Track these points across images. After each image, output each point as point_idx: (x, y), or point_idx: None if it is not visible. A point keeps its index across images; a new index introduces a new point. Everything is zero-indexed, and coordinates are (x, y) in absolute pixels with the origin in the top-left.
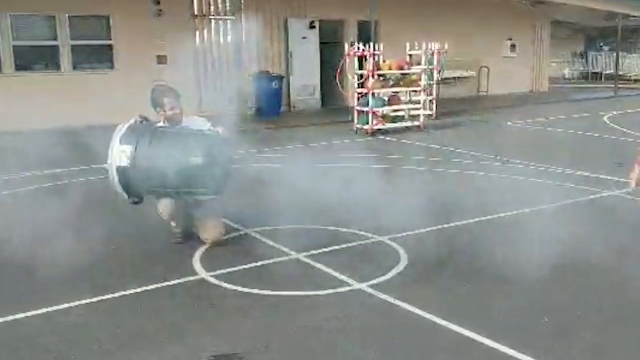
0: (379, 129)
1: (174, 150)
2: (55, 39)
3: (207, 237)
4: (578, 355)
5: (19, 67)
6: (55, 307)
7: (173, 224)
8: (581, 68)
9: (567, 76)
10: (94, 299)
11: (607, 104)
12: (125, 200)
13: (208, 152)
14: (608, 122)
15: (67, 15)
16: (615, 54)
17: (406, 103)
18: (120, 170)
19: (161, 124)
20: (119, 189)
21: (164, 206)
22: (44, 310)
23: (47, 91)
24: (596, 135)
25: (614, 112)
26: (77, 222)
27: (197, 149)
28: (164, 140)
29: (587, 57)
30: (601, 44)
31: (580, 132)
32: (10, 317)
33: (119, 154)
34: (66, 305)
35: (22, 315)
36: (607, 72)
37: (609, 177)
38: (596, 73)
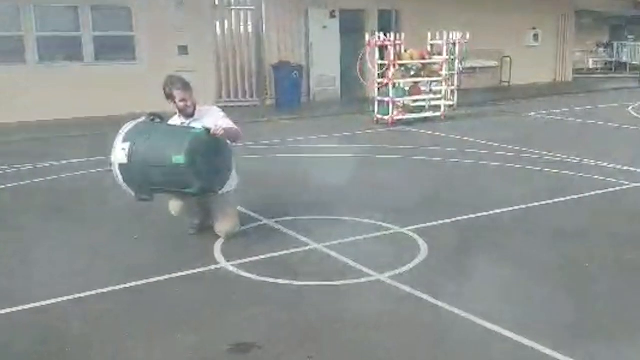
0: (400, 120)
1: (158, 149)
2: (78, 30)
3: (220, 230)
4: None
5: (42, 57)
6: (82, 294)
7: (190, 217)
8: (606, 58)
9: (591, 66)
10: (116, 287)
11: (632, 94)
12: (133, 197)
13: (189, 152)
14: (633, 113)
15: (89, 6)
16: None
17: (427, 93)
18: (122, 168)
19: (176, 116)
20: (123, 186)
21: (173, 203)
22: (73, 296)
23: (69, 82)
24: (624, 127)
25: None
26: (97, 210)
27: (178, 148)
28: (154, 139)
29: (612, 47)
30: (627, 33)
31: (609, 124)
32: (42, 303)
33: (120, 152)
34: (93, 292)
35: (52, 301)
36: (634, 62)
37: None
38: (621, 63)
